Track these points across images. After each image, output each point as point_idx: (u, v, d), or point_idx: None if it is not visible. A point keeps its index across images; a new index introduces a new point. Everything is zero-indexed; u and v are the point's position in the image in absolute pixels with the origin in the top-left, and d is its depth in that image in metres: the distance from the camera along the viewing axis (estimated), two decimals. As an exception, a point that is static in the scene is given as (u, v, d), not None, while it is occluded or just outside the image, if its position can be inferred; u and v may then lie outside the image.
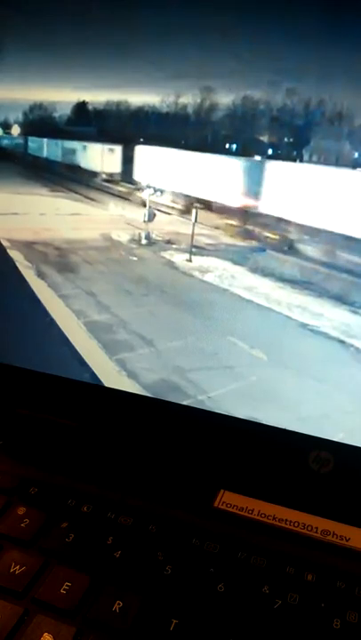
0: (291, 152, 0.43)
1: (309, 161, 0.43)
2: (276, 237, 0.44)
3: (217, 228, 0.48)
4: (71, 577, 0.30)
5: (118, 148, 0.51)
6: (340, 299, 0.43)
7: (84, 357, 0.47)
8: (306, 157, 0.43)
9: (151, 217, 0.50)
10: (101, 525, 0.34)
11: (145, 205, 0.49)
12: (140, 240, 0.51)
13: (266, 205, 0.45)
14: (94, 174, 0.55)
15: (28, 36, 0.42)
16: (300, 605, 0.29)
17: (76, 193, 0.56)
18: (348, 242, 0.41)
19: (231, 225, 0.47)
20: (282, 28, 0.35)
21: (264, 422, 0.38)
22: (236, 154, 0.45)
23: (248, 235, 0.46)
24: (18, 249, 0.51)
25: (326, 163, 0.42)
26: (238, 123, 0.42)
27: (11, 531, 0.33)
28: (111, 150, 0.52)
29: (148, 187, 0.49)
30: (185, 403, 0.41)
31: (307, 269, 0.45)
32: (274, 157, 0.44)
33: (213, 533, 0.34)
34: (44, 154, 0.55)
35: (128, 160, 0.50)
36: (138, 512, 0.35)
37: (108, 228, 0.54)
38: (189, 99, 0.41)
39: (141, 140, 0.48)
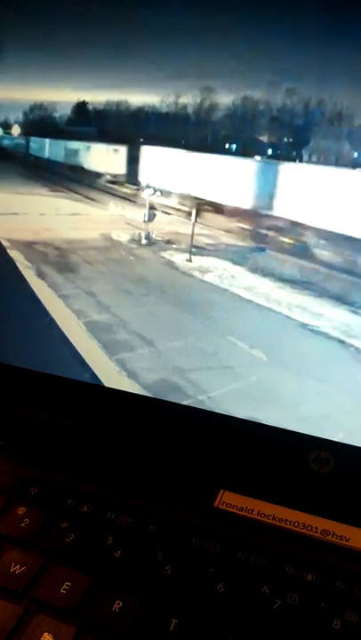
0: (290, 152, 0.43)
1: (309, 161, 0.43)
2: (291, 242, 0.44)
3: (228, 231, 0.48)
4: (71, 577, 0.30)
5: (123, 149, 0.51)
6: (340, 299, 0.43)
7: (84, 357, 0.47)
8: (306, 157, 0.43)
9: (151, 217, 0.50)
10: (101, 525, 0.34)
11: (152, 208, 0.49)
12: (140, 240, 0.51)
13: (279, 208, 0.45)
14: (98, 175, 0.55)
15: (28, 36, 0.42)
16: (300, 605, 0.29)
17: (77, 193, 0.56)
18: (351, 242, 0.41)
19: (242, 228, 0.47)
20: (282, 28, 0.35)
21: (264, 422, 0.38)
22: (236, 154, 0.45)
23: (259, 238, 0.46)
24: (18, 249, 0.51)
25: (326, 163, 0.42)
26: (238, 123, 0.42)
27: (11, 531, 0.33)
28: (116, 151, 0.51)
29: (148, 186, 0.49)
30: (185, 403, 0.41)
31: (307, 269, 0.45)
32: (274, 158, 0.44)
33: (213, 533, 0.34)
34: (46, 154, 0.55)
35: (133, 161, 0.49)
36: (138, 512, 0.35)
37: (108, 228, 0.54)
38: (189, 99, 0.41)
39: (141, 140, 0.48)
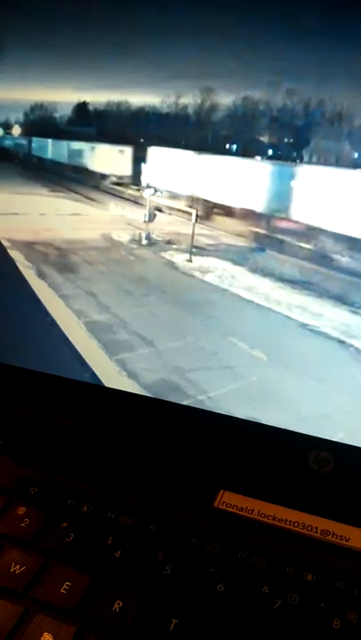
0: (291, 152, 0.43)
1: (310, 162, 0.43)
2: (308, 247, 0.44)
3: (230, 231, 0.48)
4: (71, 577, 0.30)
5: (129, 150, 0.50)
6: (340, 299, 0.43)
7: (85, 357, 0.47)
8: (306, 158, 0.43)
9: (152, 217, 0.50)
10: (101, 525, 0.34)
11: (159, 210, 0.49)
12: (140, 240, 0.51)
13: (294, 212, 0.45)
14: (102, 176, 0.54)
15: (28, 36, 0.42)
16: (300, 605, 0.29)
17: (77, 193, 0.56)
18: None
19: (245, 228, 0.47)
20: (282, 28, 0.35)
21: (264, 422, 0.38)
22: (237, 154, 0.45)
23: (261, 239, 0.46)
24: (18, 249, 0.51)
25: (326, 163, 0.42)
26: (238, 123, 0.42)
27: (11, 530, 0.33)
28: (121, 152, 0.51)
29: (149, 186, 0.49)
30: (185, 403, 0.41)
31: (306, 269, 0.45)
32: (274, 158, 0.44)
33: (213, 533, 0.34)
34: (49, 155, 0.55)
35: (139, 162, 0.49)
36: (138, 512, 0.35)
37: (108, 229, 0.54)
38: (190, 99, 0.41)
39: (142, 140, 0.48)
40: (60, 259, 0.51)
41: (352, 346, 0.43)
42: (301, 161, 0.43)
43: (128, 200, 0.52)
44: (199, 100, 0.41)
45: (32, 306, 0.52)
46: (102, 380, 0.44)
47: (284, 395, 0.42)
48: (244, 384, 0.43)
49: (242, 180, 0.46)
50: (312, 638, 0.28)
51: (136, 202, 0.51)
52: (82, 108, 0.47)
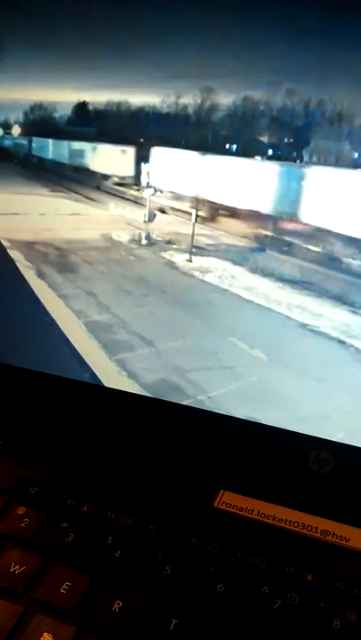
0: (291, 152, 0.43)
1: (310, 161, 0.43)
2: (319, 250, 0.44)
3: (244, 237, 0.48)
4: (71, 577, 0.30)
5: (131, 150, 0.50)
6: (339, 299, 0.43)
7: (84, 357, 0.47)
8: (306, 158, 0.43)
9: (151, 217, 0.50)
10: (101, 525, 0.34)
11: (162, 211, 0.49)
12: (140, 240, 0.51)
13: (304, 214, 0.45)
14: (103, 176, 0.54)
15: (28, 36, 0.42)
16: (300, 605, 0.29)
17: (77, 193, 0.56)
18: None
19: (254, 231, 0.47)
20: (282, 28, 0.35)
21: (264, 422, 0.38)
22: (237, 154, 0.45)
23: (262, 239, 0.46)
24: (18, 249, 0.51)
25: (326, 163, 0.42)
26: (238, 123, 0.42)
27: (11, 530, 0.33)
28: (123, 152, 0.51)
29: (149, 186, 0.49)
30: (185, 403, 0.41)
31: (306, 269, 0.45)
32: (274, 158, 0.44)
33: (213, 533, 0.34)
34: (49, 155, 0.55)
35: (139, 162, 0.49)
36: (138, 512, 0.35)
37: (108, 229, 0.54)
38: (190, 99, 0.41)
39: (141, 140, 0.48)
40: (59, 259, 0.51)
41: (352, 346, 0.43)
42: (301, 161, 0.43)
43: (128, 200, 0.52)
44: (199, 100, 0.41)
45: (32, 306, 0.52)
46: (102, 380, 0.44)
47: (284, 395, 0.42)
48: (244, 384, 0.43)
49: (242, 180, 0.46)
50: (312, 638, 0.28)
51: (136, 202, 0.51)
52: (82, 107, 0.47)
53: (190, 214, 0.48)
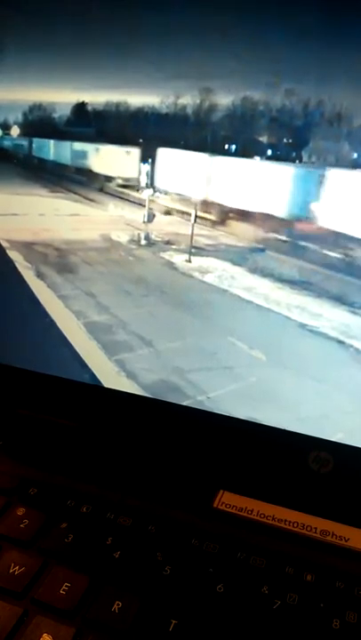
0: (290, 153, 0.43)
1: (309, 162, 0.43)
2: (337, 256, 0.43)
3: (245, 237, 0.47)
4: (70, 577, 0.30)
5: (136, 151, 0.49)
6: (339, 299, 0.43)
7: (84, 358, 0.47)
8: (305, 158, 0.43)
9: (150, 218, 0.50)
10: (101, 526, 0.34)
11: (168, 213, 0.49)
12: (139, 241, 0.51)
13: (304, 214, 0.44)
14: (102, 177, 0.54)
15: (28, 36, 0.42)
16: (300, 606, 0.29)
17: (76, 193, 0.56)
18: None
19: (255, 231, 0.47)
20: (282, 28, 0.35)
21: (264, 423, 0.38)
22: (236, 154, 0.45)
23: (263, 239, 0.46)
24: (17, 249, 0.51)
25: (325, 164, 0.42)
26: (238, 123, 0.42)
27: (10, 531, 0.33)
28: (121, 152, 0.50)
29: (148, 186, 0.49)
30: (184, 403, 0.41)
31: (306, 270, 0.45)
32: (273, 158, 0.44)
33: (213, 534, 0.34)
34: (48, 155, 0.55)
35: (139, 162, 0.49)
36: (137, 512, 0.35)
37: (107, 229, 0.54)
38: (189, 99, 0.41)
39: (141, 140, 0.48)
40: (59, 259, 0.51)
41: (351, 346, 0.43)
42: (301, 161, 0.43)
43: (127, 200, 0.52)
44: (198, 101, 0.41)
45: (31, 306, 0.52)
46: (102, 381, 0.44)
47: (284, 395, 0.42)
48: (244, 384, 0.43)
49: (242, 180, 0.46)
50: (312, 638, 0.28)
51: (135, 202, 0.51)
52: (81, 108, 0.47)
53: (189, 214, 0.48)
